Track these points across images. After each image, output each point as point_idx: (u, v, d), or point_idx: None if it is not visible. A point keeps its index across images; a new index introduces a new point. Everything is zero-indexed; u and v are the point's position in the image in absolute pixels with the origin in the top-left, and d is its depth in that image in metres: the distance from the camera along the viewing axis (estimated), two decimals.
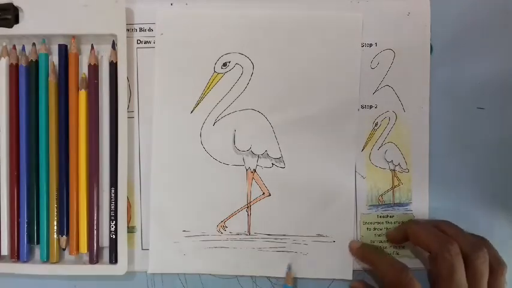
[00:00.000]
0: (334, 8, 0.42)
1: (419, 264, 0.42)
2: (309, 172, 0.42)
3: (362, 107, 0.42)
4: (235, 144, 0.42)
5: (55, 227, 0.41)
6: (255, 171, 0.42)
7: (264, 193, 0.42)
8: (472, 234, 0.39)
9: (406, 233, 0.40)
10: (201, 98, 0.41)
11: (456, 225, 0.39)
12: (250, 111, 0.42)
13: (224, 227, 0.42)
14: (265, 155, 0.42)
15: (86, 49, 0.42)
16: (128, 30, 0.41)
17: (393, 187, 0.42)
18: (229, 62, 0.41)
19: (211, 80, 0.41)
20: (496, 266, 0.37)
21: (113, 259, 0.40)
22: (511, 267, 0.42)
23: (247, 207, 0.42)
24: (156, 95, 0.42)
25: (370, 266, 0.41)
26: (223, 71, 0.41)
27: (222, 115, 0.41)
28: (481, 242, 0.38)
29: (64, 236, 0.41)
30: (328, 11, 0.42)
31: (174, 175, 0.42)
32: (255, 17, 0.42)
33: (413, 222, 0.41)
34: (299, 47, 0.42)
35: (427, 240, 0.38)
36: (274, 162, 0.42)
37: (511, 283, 0.42)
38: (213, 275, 0.42)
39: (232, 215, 0.42)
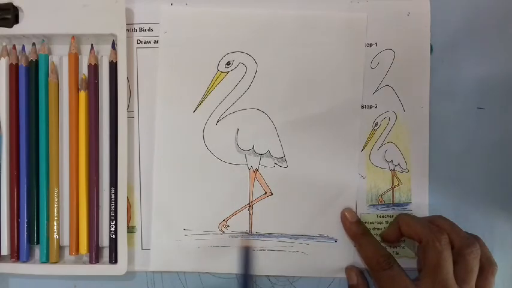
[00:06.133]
0: (334, 8, 0.42)
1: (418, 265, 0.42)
2: (312, 172, 0.42)
3: (362, 107, 0.42)
4: (238, 144, 0.42)
5: (55, 227, 0.41)
6: (257, 170, 0.42)
7: (266, 192, 0.42)
8: (466, 232, 0.39)
9: (399, 226, 0.40)
10: (204, 97, 0.41)
11: (450, 220, 0.39)
12: (253, 110, 0.42)
13: (226, 226, 0.42)
14: (268, 154, 0.42)
15: (86, 49, 0.42)
16: (127, 30, 0.41)
17: (393, 187, 0.42)
18: (233, 61, 0.41)
19: (214, 79, 0.41)
20: (487, 266, 0.38)
21: (113, 259, 0.40)
22: (511, 267, 0.42)
23: (249, 206, 0.42)
24: (159, 93, 0.42)
25: (354, 243, 0.41)
26: (226, 69, 0.41)
27: (225, 114, 0.41)
28: (474, 238, 0.38)
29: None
30: (331, 11, 0.42)
31: (177, 174, 0.42)
32: (259, 16, 0.42)
33: (405, 214, 0.41)
34: (303, 47, 0.42)
35: (418, 229, 0.38)
36: (276, 162, 0.42)
37: (510, 282, 0.42)
38: (213, 275, 0.42)
39: (234, 214, 0.42)
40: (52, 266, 0.41)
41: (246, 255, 0.41)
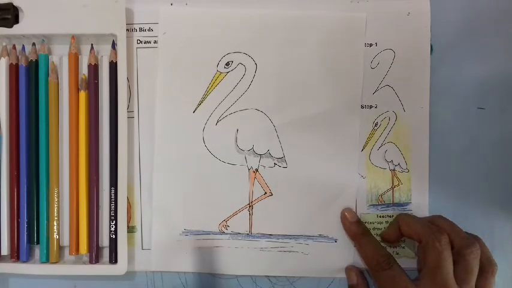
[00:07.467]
0: (334, 8, 0.42)
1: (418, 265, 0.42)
2: (312, 172, 0.42)
3: (362, 107, 0.42)
4: (238, 144, 0.42)
5: (55, 227, 0.41)
6: (257, 170, 0.42)
7: (266, 193, 0.42)
8: (466, 232, 0.39)
9: (399, 226, 0.40)
10: (204, 98, 0.41)
11: (450, 220, 0.39)
12: (252, 110, 0.42)
13: (226, 226, 0.42)
14: (268, 154, 0.42)
15: (86, 49, 0.42)
16: (127, 30, 0.41)
17: (393, 187, 0.42)
18: (232, 61, 0.41)
19: (214, 80, 0.41)
20: (487, 266, 0.37)
21: (113, 259, 0.40)
22: (511, 267, 0.42)
23: (249, 206, 0.42)
24: (158, 94, 0.42)
25: (354, 243, 0.41)
26: (226, 70, 0.41)
27: (225, 115, 0.41)
28: (474, 238, 0.38)
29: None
30: (331, 11, 0.42)
31: (177, 174, 0.42)
32: (259, 16, 0.42)
33: (405, 214, 0.41)
34: (302, 47, 0.42)
35: (418, 229, 0.38)
36: (276, 162, 0.42)
37: (510, 282, 0.42)
38: (213, 275, 0.42)
39: (234, 215, 0.42)
40: (52, 266, 0.41)
41: None
